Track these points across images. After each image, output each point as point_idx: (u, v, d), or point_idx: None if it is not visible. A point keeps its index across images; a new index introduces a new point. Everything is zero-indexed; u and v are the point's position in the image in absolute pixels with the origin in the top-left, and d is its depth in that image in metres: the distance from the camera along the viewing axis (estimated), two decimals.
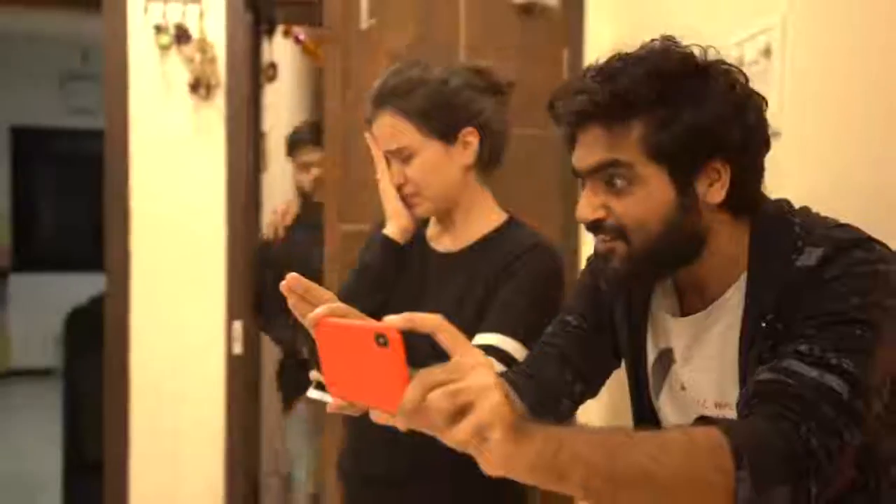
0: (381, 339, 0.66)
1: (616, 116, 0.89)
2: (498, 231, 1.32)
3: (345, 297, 1.28)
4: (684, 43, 0.93)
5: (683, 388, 1.00)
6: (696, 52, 0.93)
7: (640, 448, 0.74)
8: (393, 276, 1.31)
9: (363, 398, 0.73)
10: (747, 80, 0.93)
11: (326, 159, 2.06)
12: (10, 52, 6.17)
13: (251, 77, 2.63)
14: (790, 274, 0.86)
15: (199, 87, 2.43)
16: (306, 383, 2.34)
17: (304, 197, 2.41)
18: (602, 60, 0.92)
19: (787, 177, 1.34)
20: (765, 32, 1.45)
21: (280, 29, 2.98)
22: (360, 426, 1.36)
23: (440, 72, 1.28)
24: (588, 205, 0.92)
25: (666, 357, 1.02)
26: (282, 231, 2.44)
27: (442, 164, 1.27)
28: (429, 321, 0.69)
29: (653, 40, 0.93)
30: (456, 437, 0.66)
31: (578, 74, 0.95)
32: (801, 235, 0.88)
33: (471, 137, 1.28)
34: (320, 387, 1.55)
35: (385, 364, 0.67)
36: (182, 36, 2.41)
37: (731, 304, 0.93)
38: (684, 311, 1.00)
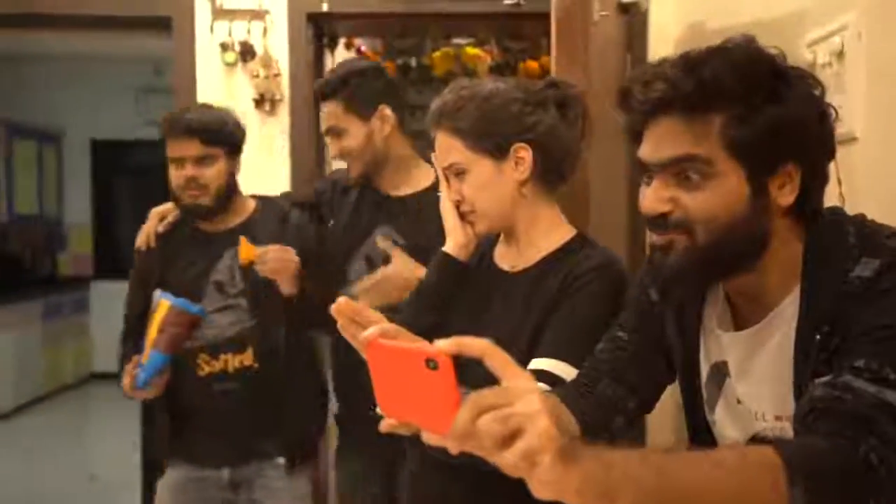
0: (432, 364, 0.67)
1: (698, 107, 0.87)
2: (562, 249, 1.28)
3: (404, 313, 1.30)
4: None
5: (739, 401, 0.98)
6: (776, 52, 0.91)
7: (690, 466, 0.74)
8: (451, 292, 1.30)
9: (415, 419, 0.74)
10: (824, 89, 0.92)
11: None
12: (88, 71, 6.45)
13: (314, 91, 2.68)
14: (845, 285, 0.85)
15: (264, 102, 2.50)
16: (179, 440, 1.85)
17: (175, 199, 1.93)
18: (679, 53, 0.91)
19: (863, 183, 1.29)
20: (837, 33, 1.39)
21: (342, 42, 3.02)
22: (419, 450, 1.37)
23: (491, 87, 1.26)
24: (656, 197, 0.90)
25: (720, 370, 1.00)
26: (153, 239, 1.98)
27: (493, 181, 1.25)
28: (477, 346, 0.70)
29: (732, 38, 0.92)
30: (506, 461, 0.67)
31: (655, 63, 0.92)
32: (857, 245, 0.87)
33: (523, 153, 1.25)
34: None
35: (436, 387, 0.68)
36: (247, 53, 2.48)
37: (786, 317, 0.91)
38: (737, 324, 0.98)
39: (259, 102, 2.49)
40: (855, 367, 0.80)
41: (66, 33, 3.47)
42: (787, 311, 0.91)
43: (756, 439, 0.95)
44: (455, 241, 1.30)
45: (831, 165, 0.96)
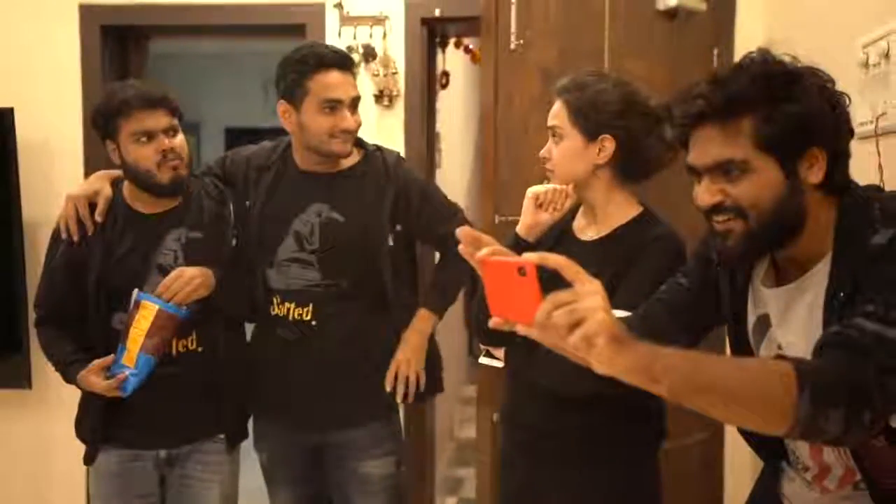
0: (521, 271, 0.90)
1: (728, 116, 1.05)
2: (631, 223, 1.55)
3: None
4: (782, 51, 1.11)
5: (780, 347, 1.16)
6: (789, 59, 1.09)
7: (720, 365, 0.95)
8: None
9: (511, 316, 0.94)
10: (834, 82, 1.09)
11: (487, 159, 2.29)
12: (222, 68, 7.10)
13: (427, 86, 2.97)
14: (865, 252, 1.01)
15: (383, 97, 2.82)
16: (114, 426, 1.80)
17: (140, 178, 1.78)
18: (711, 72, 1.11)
19: None
20: (885, 38, 1.55)
21: (452, 41, 3.30)
22: (516, 384, 1.64)
23: (607, 84, 1.51)
24: (707, 192, 1.09)
25: (764, 321, 1.19)
26: (90, 227, 1.81)
27: (577, 155, 1.52)
28: (556, 259, 0.91)
29: (750, 52, 1.11)
30: (571, 342, 0.87)
31: (692, 84, 1.10)
32: (879, 218, 1.03)
33: (608, 144, 1.50)
34: (489, 355, 1.81)
35: (525, 289, 0.90)
36: (369, 54, 2.80)
37: (818, 278, 1.09)
38: (778, 281, 1.16)
39: (378, 98, 2.81)
40: (865, 312, 0.96)
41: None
42: (819, 274, 1.09)
43: None
44: (523, 223, 1.59)
45: (869, 154, 1.14)
